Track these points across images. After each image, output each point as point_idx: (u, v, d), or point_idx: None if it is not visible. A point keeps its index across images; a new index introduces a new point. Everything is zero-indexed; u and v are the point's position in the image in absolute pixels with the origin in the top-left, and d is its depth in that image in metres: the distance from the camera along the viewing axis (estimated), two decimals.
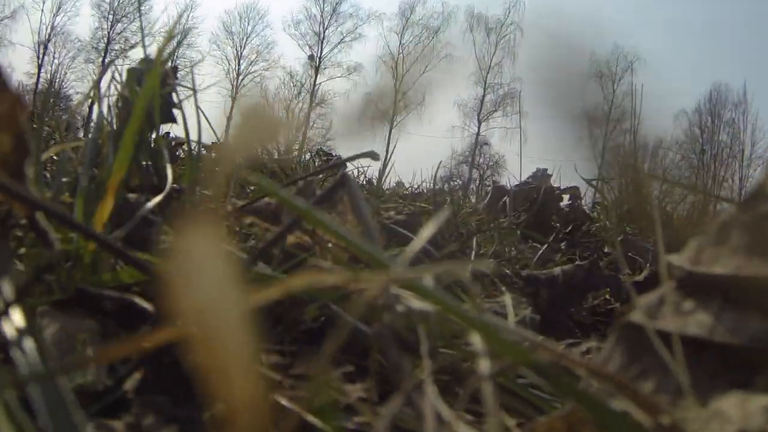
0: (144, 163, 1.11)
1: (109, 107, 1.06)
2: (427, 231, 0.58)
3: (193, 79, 1.34)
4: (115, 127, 1.00)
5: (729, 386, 0.43)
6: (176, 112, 1.17)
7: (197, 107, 1.20)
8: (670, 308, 0.48)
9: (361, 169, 3.82)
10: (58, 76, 33.35)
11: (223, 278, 0.24)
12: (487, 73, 37.54)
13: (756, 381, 0.42)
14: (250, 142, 0.27)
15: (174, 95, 1.16)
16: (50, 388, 0.41)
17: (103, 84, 1.09)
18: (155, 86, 0.95)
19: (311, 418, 0.41)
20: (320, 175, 1.97)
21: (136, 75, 1.08)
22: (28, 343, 0.48)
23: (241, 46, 36.95)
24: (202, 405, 0.53)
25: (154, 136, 1.11)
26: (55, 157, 1.20)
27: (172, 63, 1.04)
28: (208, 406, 0.52)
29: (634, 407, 0.37)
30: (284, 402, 0.53)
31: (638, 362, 0.48)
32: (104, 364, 0.59)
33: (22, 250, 0.75)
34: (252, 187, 1.70)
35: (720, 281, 0.47)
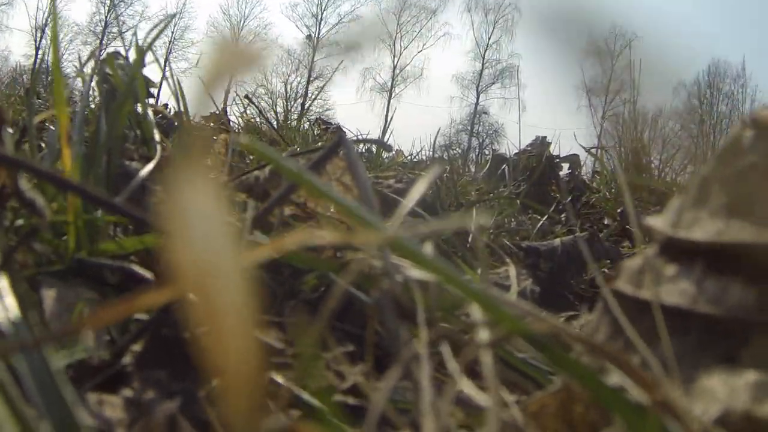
0: (134, 132, 1.14)
1: (101, 81, 1.11)
2: (421, 188, 0.57)
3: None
4: (98, 100, 1.08)
5: (715, 360, 0.42)
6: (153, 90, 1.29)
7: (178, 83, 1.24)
8: (653, 276, 0.48)
9: (359, 137, 3.80)
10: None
11: (221, 239, 0.24)
12: (485, 50, 37.35)
13: (742, 353, 0.42)
14: (223, 71, 0.26)
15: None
16: (39, 363, 0.41)
17: (91, 66, 1.19)
18: (138, 67, 1.06)
19: (307, 396, 0.41)
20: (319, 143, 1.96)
21: (114, 57, 1.19)
22: (15, 311, 0.47)
23: (239, 28, 36.74)
24: (201, 378, 0.53)
25: (140, 109, 1.15)
26: (52, 128, 1.21)
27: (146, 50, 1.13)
28: (206, 378, 0.52)
29: (629, 382, 0.37)
30: (280, 379, 0.53)
31: (624, 334, 0.48)
32: (101, 331, 0.59)
33: (20, 222, 0.75)
34: (251, 157, 1.69)
35: (701, 247, 0.46)
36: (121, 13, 34.51)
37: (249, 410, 0.24)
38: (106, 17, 34.25)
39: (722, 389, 0.38)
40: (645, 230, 0.51)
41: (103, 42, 32.55)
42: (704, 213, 0.47)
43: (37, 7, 33.74)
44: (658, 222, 0.50)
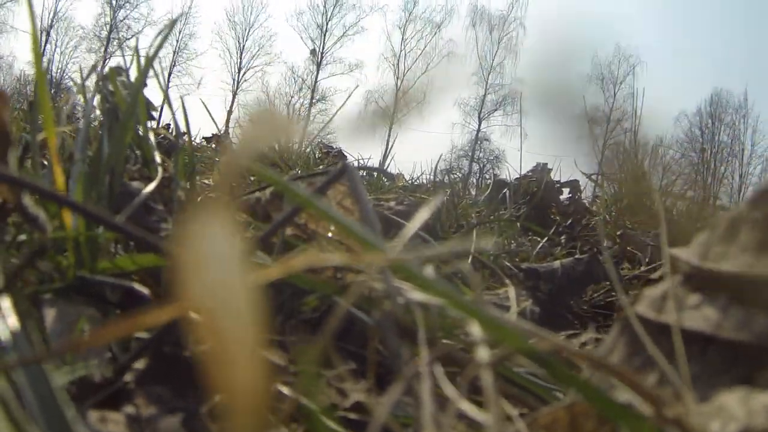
0: (134, 153, 1.14)
1: (103, 100, 1.12)
2: (424, 214, 0.57)
3: None
4: (101, 118, 1.08)
5: (732, 382, 0.42)
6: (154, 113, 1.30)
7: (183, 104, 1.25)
8: (676, 302, 0.48)
9: (361, 162, 3.83)
10: (59, 66, 33.42)
11: (229, 261, 0.24)
12: (489, 73, 37.53)
13: (760, 378, 0.42)
14: (258, 140, 0.27)
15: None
16: (40, 380, 0.41)
17: (93, 79, 1.19)
18: (139, 87, 1.06)
19: (309, 403, 0.41)
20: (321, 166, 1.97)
21: (117, 72, 1.19)
22: (17, 331, 0.47)
23: (243, 38, 36.87)
24: (203, 395, 0.53)
25: (141, 130, 1.16)
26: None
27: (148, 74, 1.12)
28: (208, 395, 0.52)
29: (637, 399, 0.37)
30: (285, 391, 0.53)
31: (641, 354, 0.48)
32: (103, 350, 0.59)
33: (23, 237, 0.75)
34: (253, 178, 1.70)
35: (728, 278, 0.46)
36: (126, 16, 34.48)
37: (252, 427, 0.24)
38: (111, 21, 34.16)
39: (740, 409, 0.38)
40: (672, 261, 0.52)
41: (108, 49, 32.51)
42: (733, 249, 0.47)
43: (43, 7, 33.46)
44: (683, 253, 0.51)
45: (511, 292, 0.82)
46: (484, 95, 37.54)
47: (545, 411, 0.43)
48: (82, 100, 1.21)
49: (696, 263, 0.49)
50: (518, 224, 2.04)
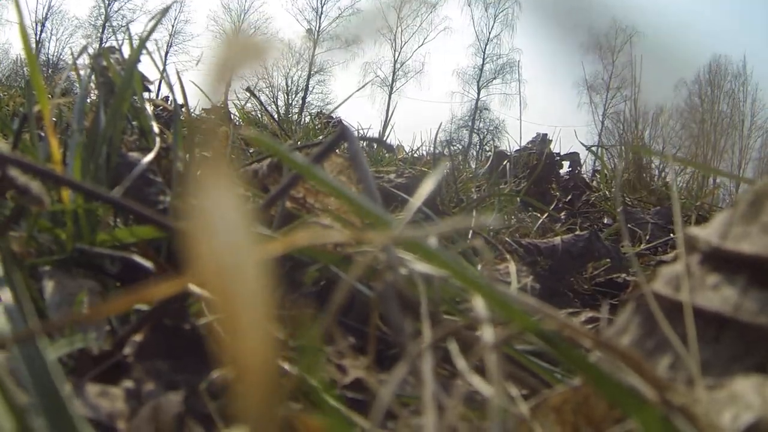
0: (131, 125, 1.14)
1: (98, 75, 1.11)
2: (427, 187, 0.57)
3: None
4: (96, 92, 1.08)
5: (747, 369, 0.42)
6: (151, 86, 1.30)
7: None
8: (694, 281, 0.47)
9: (361, 132, 3.81)
10: (56, 51, 33.41)
11: (237, 233, 0.23)
12: (486, 44, 37.34)
13: None
14: (232, 65, 0.26)
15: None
16: (34, 354, 0.41)
17: (87, 59, 1.18)
18: (134, 61, 1.06)
19: (312, 386, 0.40)
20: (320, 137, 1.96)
21: (110, 51, 1.19)
22: (9, 300, 0.47)
23: (239, 22, 36.54)
24: (203, 369, 0.53)
25: (137, 101, 1.16)
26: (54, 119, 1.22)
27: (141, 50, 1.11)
28: (212, 368, 0.52)
29: (644, 384, 0.37)
30: (285, 366, 0.53)
31: (655, 335, 0.47)
32: (102, 322, 0.59)
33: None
34: (251, 150, 1.69)
35: (748, 259, 0.46)
36: (121, 7, 34.41)
37: (263, 400, 0.23)
38: (106, 10, 34.13)
39: (756, 397, 0.37)
40: (687, 240, 0.51)
41: (104, 36, 32.43)
42: (754, 228, 0.46)
43: (37, 1, 33.65)
44: (702, 232, 0.50)
45: (512, 267, 0.82)
46: (482, 65, 37.39)
47: (555, 392, 0.43)
48: (75, 76, 1.21)
49: (715, 243, 0.48)
50: (518, 199, 2.03)
